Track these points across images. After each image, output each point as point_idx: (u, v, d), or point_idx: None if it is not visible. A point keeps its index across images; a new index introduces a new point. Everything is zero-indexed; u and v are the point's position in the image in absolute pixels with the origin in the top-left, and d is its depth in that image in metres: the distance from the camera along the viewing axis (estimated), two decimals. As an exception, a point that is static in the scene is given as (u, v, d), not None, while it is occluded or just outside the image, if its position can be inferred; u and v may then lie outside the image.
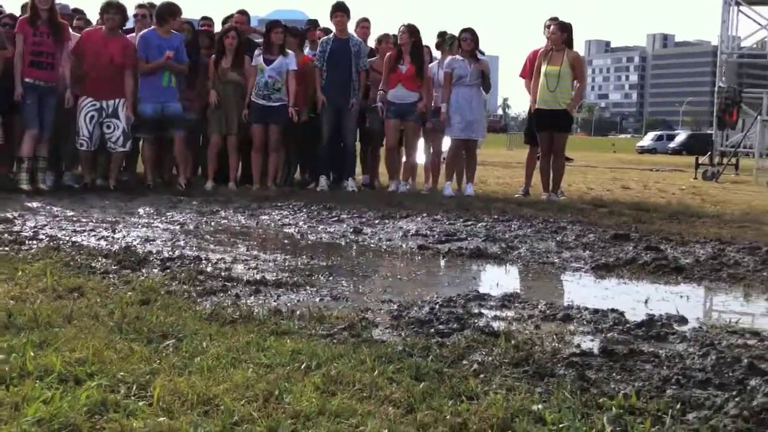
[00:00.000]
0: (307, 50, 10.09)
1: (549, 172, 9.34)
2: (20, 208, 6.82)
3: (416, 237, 6.06)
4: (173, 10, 8.90)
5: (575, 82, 9.30)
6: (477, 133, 9.56)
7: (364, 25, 10.36)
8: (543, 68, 9.16)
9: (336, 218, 6.94)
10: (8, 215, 6.27)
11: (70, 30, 8.72)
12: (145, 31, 8.96)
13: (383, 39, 10.20)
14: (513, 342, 3.06)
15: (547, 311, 3.68)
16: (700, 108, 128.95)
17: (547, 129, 9.24)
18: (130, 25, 9.48)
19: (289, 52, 9.30)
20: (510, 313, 3.68)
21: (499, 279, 4.62)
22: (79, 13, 9.77)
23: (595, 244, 5.85)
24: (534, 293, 4.22)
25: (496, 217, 7.20)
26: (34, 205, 7.09)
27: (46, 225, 5.95)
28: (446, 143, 10.01)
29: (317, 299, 3.86)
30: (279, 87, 9.16)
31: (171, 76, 8.83)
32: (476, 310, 3.67)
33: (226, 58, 9.14)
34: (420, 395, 2.43)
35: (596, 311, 3.68)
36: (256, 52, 9.23)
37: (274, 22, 9.49)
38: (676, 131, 67.57)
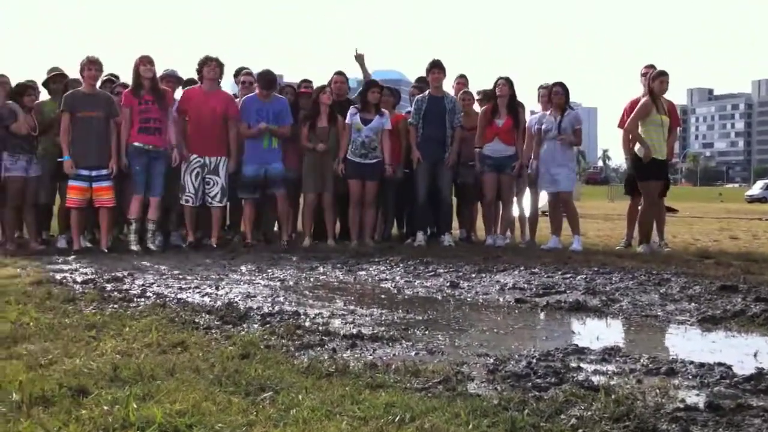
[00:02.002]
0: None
1: (650, 221, 9.13)
2: (130, 267, 7.11)
3: (513, 290, 6.00)
4: (268, 80, 9.25)
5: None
6: (563, 185, 9.38)
7: (460, 81, 10.53)
8: (658, 118, 8.89)
9: (433, 273, 6.94)
10: (119, 274, 6.55)
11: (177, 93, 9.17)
12: (247, 96, 9.34)
13: (465, 96, 10.21)
14: (613, 396, 2.97)
15: (650, 365, 3.56)
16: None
17: (650, 179, 9.01)
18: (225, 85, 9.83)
19: (384, 111, 9.48)
20: (611, 367, 3.58)
21: (599, 332, 4.50)
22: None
23: (701, 296, 5.64)
24: (636, 347, 4.10)
25: (596, 269, 7.05)
26: (143, 264, 7.38)
27: (154, 283, 6.18)
28: (543, 198, 9.93)
29: (413, 353, 3.86)
30: (375, 146, 9.34)
31: (272, 138, 9.17)
32: (575, 364, 3.59)
33: (321, 118, 9.36)
34: (515, 449, 2.38)
35: (702, 365, 3.54)
36: (352, 110, 9.42)
37: (371, 82, 9.70)
38: (787, 179, 64.96)
